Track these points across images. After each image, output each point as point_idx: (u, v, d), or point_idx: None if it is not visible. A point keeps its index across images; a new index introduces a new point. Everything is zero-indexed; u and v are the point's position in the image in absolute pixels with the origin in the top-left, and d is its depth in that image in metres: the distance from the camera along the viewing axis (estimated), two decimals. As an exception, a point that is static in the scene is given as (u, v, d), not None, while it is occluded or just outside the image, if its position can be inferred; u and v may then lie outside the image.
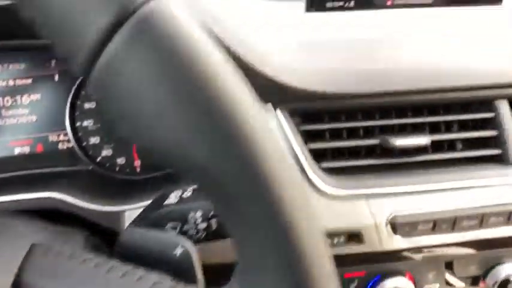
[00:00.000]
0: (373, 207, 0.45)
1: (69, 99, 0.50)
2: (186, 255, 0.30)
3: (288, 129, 0.45)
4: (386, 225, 0.45)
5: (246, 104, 0.19)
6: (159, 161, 0.19)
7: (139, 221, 0.38)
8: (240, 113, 0.18)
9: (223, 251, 0.32)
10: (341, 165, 0.46)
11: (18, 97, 0.49)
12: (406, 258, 0.47)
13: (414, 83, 0.46)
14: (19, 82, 0.50)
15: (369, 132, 0.48)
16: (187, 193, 0.38)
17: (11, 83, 0.50)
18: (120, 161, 0.53)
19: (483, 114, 0.49)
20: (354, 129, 0.48)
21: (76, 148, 0.51)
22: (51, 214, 0.41)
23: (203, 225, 0.36)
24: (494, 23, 0.57)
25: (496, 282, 0.49)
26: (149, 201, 0.41)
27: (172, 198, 0.38)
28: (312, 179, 0.44)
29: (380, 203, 0.45)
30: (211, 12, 0.41)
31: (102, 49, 0.17)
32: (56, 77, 0.50)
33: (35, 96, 0.50)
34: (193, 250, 0.30)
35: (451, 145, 0.49)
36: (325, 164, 0.46)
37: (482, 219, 0.46)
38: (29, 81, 0.50)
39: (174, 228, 0.35)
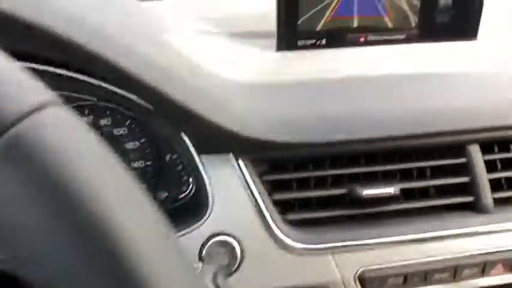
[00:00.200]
0: (340, 262, 0.43)
1: None
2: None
3: (250, 180, 0.43)
4: (354, 280, 0.43)
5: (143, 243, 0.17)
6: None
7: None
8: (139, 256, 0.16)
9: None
10: (307, 217, 0.44)
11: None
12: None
13: (384, 131, 0.45)
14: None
15: (337, 180, 0.46)
16: None
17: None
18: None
19: (454, 160, 0.47)
20: (321, 177, 0.46)
21: None
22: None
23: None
24: (466, 59, 0.56)
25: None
26: None
27: None
28: (276, 233, 0.43)
29: (348, 257, 0.43)
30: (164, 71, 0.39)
31: None
32: None
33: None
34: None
35: (422, 192, 0.47)
36: (291, 216, 0.44)
37: (455, 272, 0.44)
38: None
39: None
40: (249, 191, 0.43)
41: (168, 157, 0.52)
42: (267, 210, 0.43)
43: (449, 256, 0.45)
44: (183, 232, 0.43)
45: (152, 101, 0.40)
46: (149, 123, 0.49)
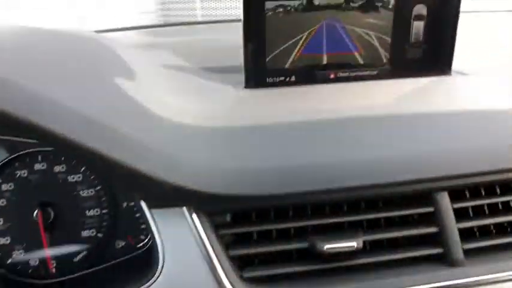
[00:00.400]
0: (300, 322, 0.40)
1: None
2: None
3: (204, 235, 0.41)
4: None
5: None
6: None
7: None
8: None
9: None
10: (266, 274, 0.42)
11: None
12: None
13: (348, 181, 0.42)
14: None
15: (300, 232, 0.44)
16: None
17: None
18: (33, 262, 0.48)
19: (422, 209, 0.45)
20: (283, 230, 0.44)
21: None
22: None
23: None
24: (434, 99, 0.53)
25: None
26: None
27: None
28: (230, 293, 0.40)
29: (308, 317, 0.41)
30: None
31: None
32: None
33: None
34: None
35: (389, 243, 0.45)
36: (248, 274, 0.42)
37: (424, 329, 0.41)
38: None
39: None
40: (203, 248, 0.41)
41: (124, 204, 0.50)
42: (222, 268, 0.40)
43: (417, 313, 0.42)
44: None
45: (95, 164, 0.38)
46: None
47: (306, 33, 0.56)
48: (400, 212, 0.44)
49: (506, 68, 0.66)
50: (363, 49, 0.58)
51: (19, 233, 0.47)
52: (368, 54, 0.58)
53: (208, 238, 0.41)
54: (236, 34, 0.54)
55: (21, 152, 0.47)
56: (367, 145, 0.44)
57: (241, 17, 0.53)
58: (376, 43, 0.58)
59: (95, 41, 0.54)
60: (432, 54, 0.60)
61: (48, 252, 0.47)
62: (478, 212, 0.47)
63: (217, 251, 0.41)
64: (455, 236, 0.44)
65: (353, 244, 0.42)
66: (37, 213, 0.47)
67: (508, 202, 0.47)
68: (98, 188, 0.49)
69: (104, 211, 0.49)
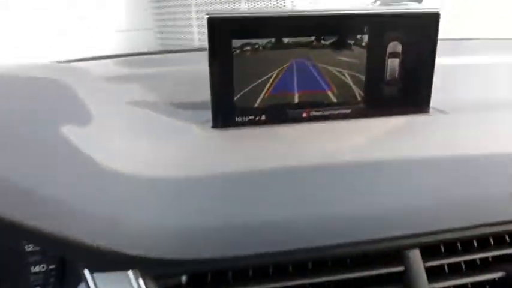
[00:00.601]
0: None
1: None
2: None
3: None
4: None
5: None
6: None
7: None
8: None
9: None
10: None
11: None
12: None
13: (313, 241, 0.39)
14: None
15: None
16: None
17: None
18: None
19: (391, 269, 0.42)
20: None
21: None
22: None
23: None
24: (406, 145, 0.50)
25: None
26: None
27: None
28: None
29: None
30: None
31: None
32: None
33: None
34: None
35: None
36: None
37: None
38: None
39: None
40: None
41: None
42: None
43: None
44: None
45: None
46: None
47: (275, 72, 0.54)
48: (371, 271, 0.41)
49: (486, 102, 0.63)
50: (336, 87, 0.55)
51: None
52: (341, 92, 0.56)
53: (157, 305, 0.37)
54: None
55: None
56: (331, 200, 0.41)
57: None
58: (350, 81, 0.56)
59: (53, 81, 0.51)
60: (409, 92, 0.58)
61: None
62: (455, 270, 0.44)
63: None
64: (427, 299, 0.41)
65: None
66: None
67: (487, 258, 0.44)
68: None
69: (51, 267, 0.45)
